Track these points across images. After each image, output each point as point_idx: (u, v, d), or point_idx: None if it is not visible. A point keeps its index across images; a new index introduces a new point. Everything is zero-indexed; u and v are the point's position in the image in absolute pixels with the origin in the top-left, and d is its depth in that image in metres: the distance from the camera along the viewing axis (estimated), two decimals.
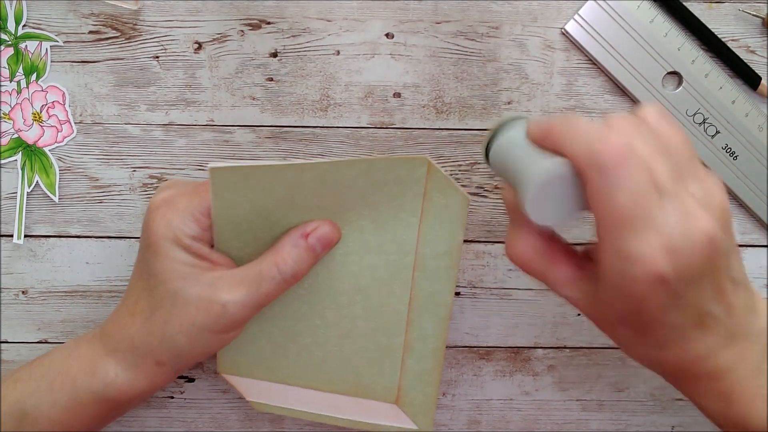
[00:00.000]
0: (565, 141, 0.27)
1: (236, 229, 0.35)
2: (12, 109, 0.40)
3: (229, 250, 0.36)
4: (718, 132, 0.40)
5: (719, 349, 0.28)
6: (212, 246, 0.35)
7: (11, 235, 0.41)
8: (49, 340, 0.43)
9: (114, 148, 0.40)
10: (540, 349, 0.44)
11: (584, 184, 0.27)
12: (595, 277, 0.29)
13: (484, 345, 0.43)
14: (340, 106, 0.40)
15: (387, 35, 0.40)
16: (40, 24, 0.39)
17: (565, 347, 0.44)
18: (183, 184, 0.36)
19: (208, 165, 0.32)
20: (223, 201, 0.34)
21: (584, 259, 0.31)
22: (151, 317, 0.34)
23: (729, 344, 0.28)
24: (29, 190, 0.41)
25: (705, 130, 0.40)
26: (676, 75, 0.40)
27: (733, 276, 0.28)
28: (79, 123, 0.40)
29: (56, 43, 0.39)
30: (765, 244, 0.42)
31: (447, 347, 0.43)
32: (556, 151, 0.28)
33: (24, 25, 0.39)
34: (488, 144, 0.32)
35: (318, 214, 0.36)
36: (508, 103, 0.40)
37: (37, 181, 0.40)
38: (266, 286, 0.34)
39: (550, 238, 0.31)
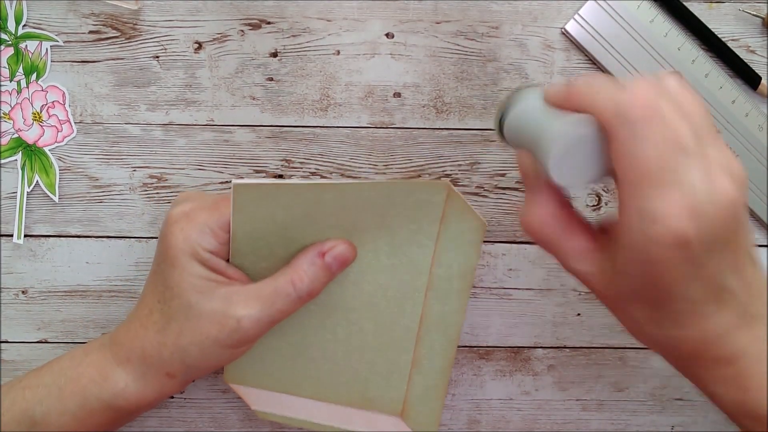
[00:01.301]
0: (589, 98, 0.27)
1: (253, 243, 0.35)
2: (12, 108, 0.40)
3: (243, 264, 0.36)
4: (718, 132, 0.40)
5: (734, 328, 0.27)
6: (228, 260, 0.36)
7: (11, 235, 0.41)
8: (49, 340, 0.43)
9: (114, 148, 0.40)
10: (540, 349, 0.44)
11: (609, 141, 0.26)
12: (610, 248, 0.28)
13: (484, 345, 0.43)
14: (340, 105, 0.40)
15: (387, 35, 0.40)
16: (40, 24, 0.39)
17: (565, 347, 0.44)
18: (201, 197, 0.36)
19: (232, 181, 0.33)
20: (243, 216, 0.34)
21: (599, 232, 0.30)
22: (165, 329, 0.34)
23: (743, 324, 0.28)
24: (29, 190, 0.41)
25: None
26: None
27: (751, 252, 0.27)
28: (79, 123, 0.40)
29: (56, 43, 0.39)
30: (765, 244, 0.42)
31: None
32: (578, 110, 0.27)
33: (24, 25, 0.39)
34: (502, 115, 0.31)
35: (335, 233, 0.36)
36: None
37: (37, 181, 0.40)
38: (281, 303, 0.34)
39: (566, 209, 0.30)
